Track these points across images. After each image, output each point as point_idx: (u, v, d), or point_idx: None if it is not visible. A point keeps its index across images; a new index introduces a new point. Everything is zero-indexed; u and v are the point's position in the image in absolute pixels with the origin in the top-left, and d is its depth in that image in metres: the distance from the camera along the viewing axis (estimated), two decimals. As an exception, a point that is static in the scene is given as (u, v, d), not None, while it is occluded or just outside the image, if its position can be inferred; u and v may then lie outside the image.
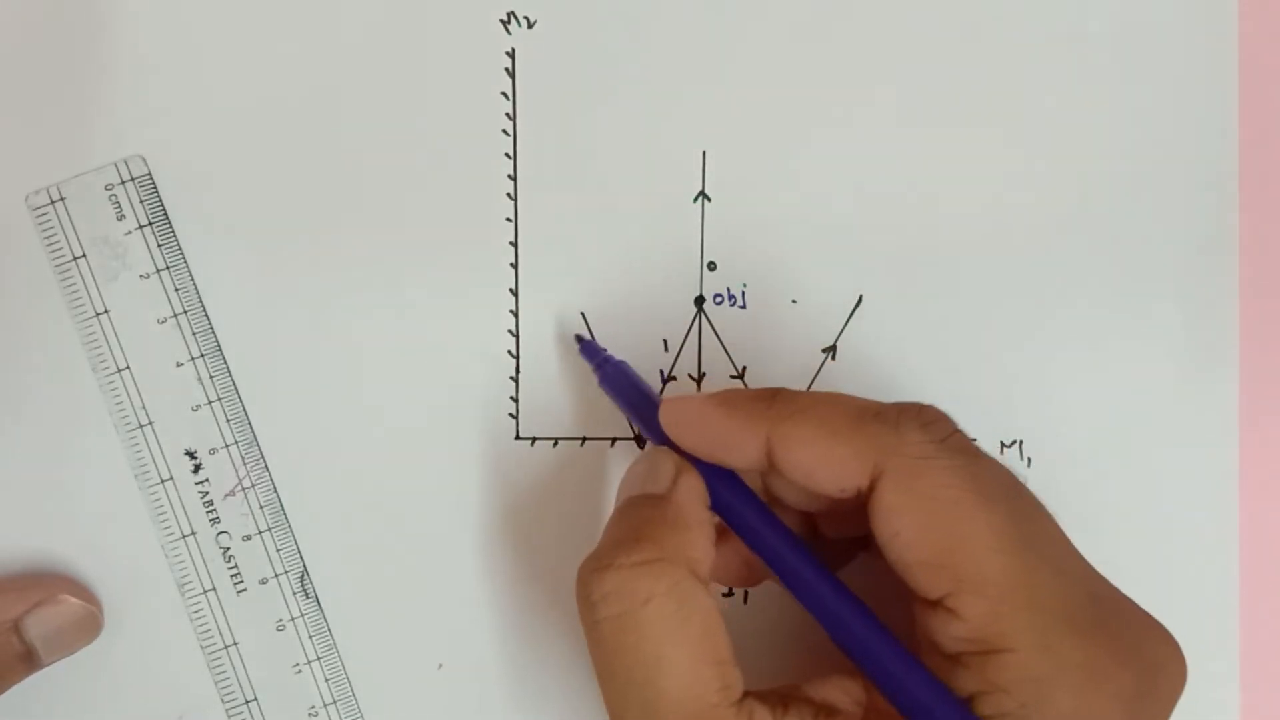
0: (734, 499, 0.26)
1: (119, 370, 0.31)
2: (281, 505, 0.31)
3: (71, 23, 0.31)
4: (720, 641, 0.24)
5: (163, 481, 0.31)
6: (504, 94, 0.31)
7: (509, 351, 0.32)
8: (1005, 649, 0.23)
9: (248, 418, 0.31)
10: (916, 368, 0.32)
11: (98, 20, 0.31)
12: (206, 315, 0.31)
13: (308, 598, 0.31)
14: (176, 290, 0.31)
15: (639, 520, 0.25)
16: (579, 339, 0.31)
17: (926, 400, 0.26)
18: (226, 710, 0.31)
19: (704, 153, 0.32)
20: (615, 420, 0.32)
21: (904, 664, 0.24)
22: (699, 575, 0.25)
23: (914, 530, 0.24)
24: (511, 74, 0.31)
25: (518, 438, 0.32)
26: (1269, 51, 0.33)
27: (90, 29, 0.31)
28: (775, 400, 0.26)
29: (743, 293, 0.32)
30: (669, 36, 0.32)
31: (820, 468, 0.25)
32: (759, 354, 0.32)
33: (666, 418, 0.27)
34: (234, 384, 0.31)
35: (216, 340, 0.31)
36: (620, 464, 0.32)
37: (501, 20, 0.31)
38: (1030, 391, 0.32)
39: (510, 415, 0.32)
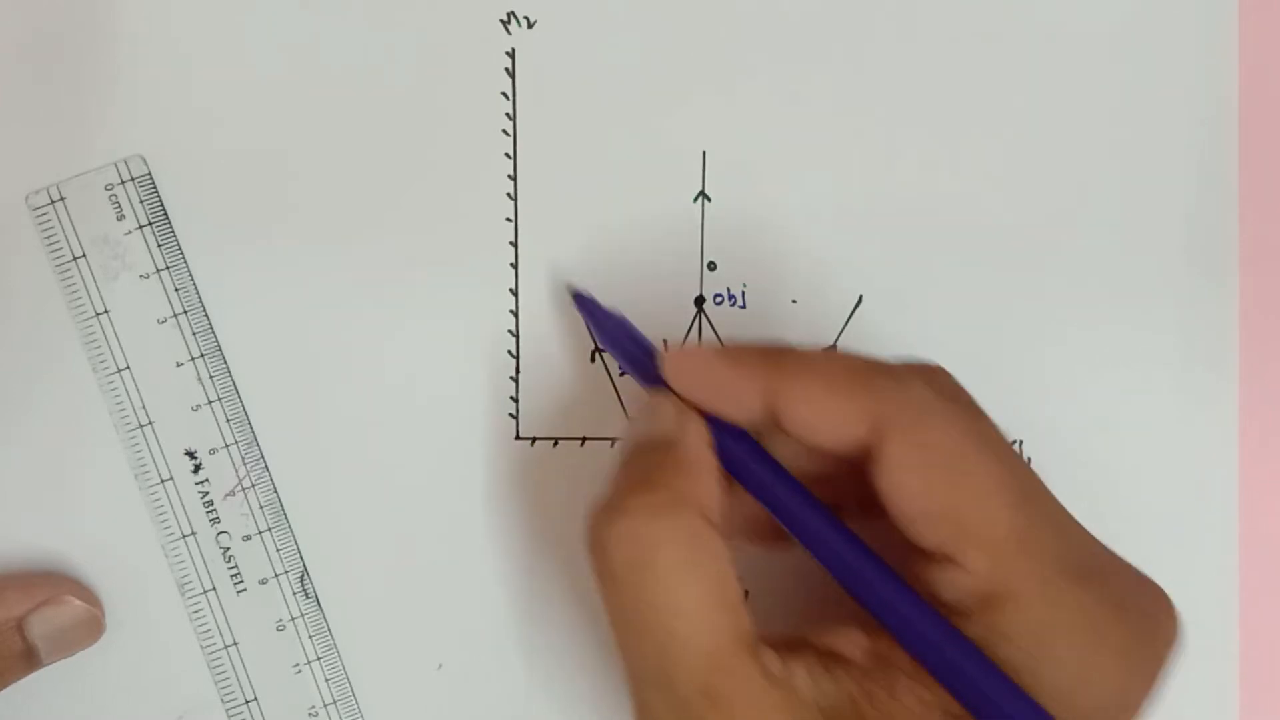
0: (740, 450, 0.26)
1: (119, 370, 0.31)
2: (281, 505, 0.31)
3: (71, 23, 0.31)
4: (732, 586, 0.24)
5: (163, 481, 0.31)
6: (504, 94, 0.32)
7: (509, 351, 0.32)
8: (1009, 597, 0.23)
9: (248, 418, 0.31)
10: None
11: (97, 21, 0.31)
12: (206, 315, 0.31)
13: (308, 598, 0.31)
14: (177, 290, 0.31)
15: (647, 465, 0.25)
16: (575, 293, 0.30)
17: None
18: (226, 710, 0.31)
19: (704, 153, 0.32)
20: (615, 420, 0.32)
21: (919, 609, 0.24)
22: (710, 519, 0.24)
23: (918, 483, 0.24)
24: (511, 74, 0.32)
25: (518, 438, 0.31)
26: (1269, 52, 0.33)
27: (90, 29, 0.31)
28: (779, 354, 0.26)
29: (743, 293, 0.32)
30: (669, 36, 0.32)
31: (824, 421, 0.25)
32: None
33: (670, 367, 0.27)
34: (234, 384, 0.31)
35: (216, 340, 0.31)
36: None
37: (501, 20, 0.31)
38: (1030, 391, 0.32)
39: (510, 415, 0.31)
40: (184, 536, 0.31)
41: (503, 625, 0.32)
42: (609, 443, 0.32)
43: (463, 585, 0.32)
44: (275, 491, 0.31)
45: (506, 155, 0.32)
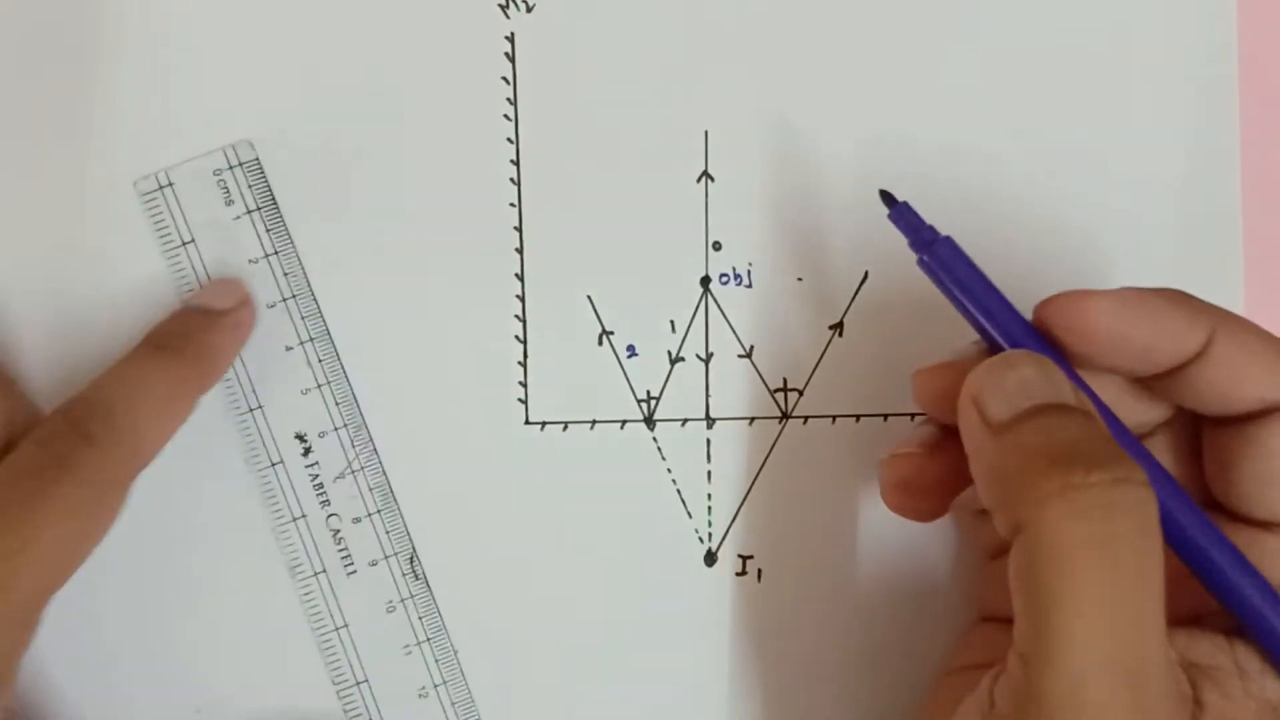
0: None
1: (229, 354, 0.31)
2: (390, 487, 0.32)
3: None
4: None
5: (273, 465, 0.31)
6: (504, 79, 0.32)
7: (515, 336, 0.32)
8: None
9: (356, 401, 0.31)
10: (925, 342, 0.32)
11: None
12: (315, 299, 0.31)
13: (417, 579, 0.32)
14: (285, 275, 0.31)
15: (1082, 433, 0.22)
16: (889, 199, 0.28)
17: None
18: (337, 691, 0.32)
19: (706, 133, 0.32)
20: (623, 404, 0.32)
21: None
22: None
23: None
24: (511, 59, 0.32)
25: (527, 422, 0.32)
26: (1269, 51, 0.33)
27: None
28: (1207, 305, 0.25)
29: (748, 272, 0.32)
30: (668, 17, 0.32)
31: (1256, 373, 0.24)
32: (766, 332, 0.32)
33: (1093, 310, 0.24)
34: (342, 368, 0.31)
35: (325, 324, 0.31)
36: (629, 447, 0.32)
37: (500, 5, 0.31)
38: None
39: (520, 400, 0.32)
40: (294, 519, 0.31)
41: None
42: (618, 425, 0.32)
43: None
44: (384, 474, 0.32)
45: (509, 140, 0.32)
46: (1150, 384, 0.26)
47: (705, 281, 0.32)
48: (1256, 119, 0.33)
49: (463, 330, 0.32)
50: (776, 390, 0.32)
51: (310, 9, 0.31)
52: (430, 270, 0.32)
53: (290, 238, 0.31)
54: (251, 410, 0.31)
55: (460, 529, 0.32)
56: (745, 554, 0.32)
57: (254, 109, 0.31)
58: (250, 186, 0.31)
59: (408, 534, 0.32)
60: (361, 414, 0.32)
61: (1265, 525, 0.25)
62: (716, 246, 0.32)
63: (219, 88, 0.31)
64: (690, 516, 0.32)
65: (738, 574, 0.32)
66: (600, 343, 0.32)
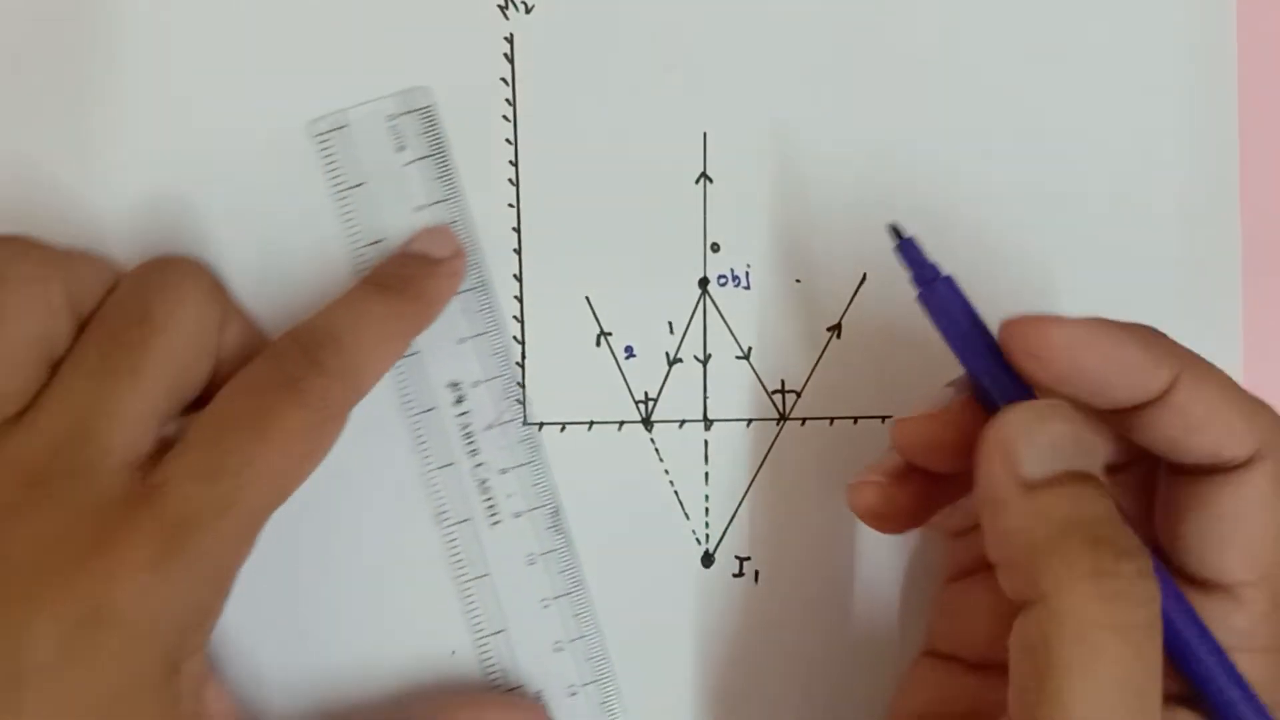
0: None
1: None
2: (539, 440, 0.32)
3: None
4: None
5: (425, 411, 0.31)
6: (503, 79, 0.32)
7: (514, 337, 0.32)
8: None
9: (510, 353, 0.32)
10: (922, 345, 0.32)
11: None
12: (478, 250, 0.32)
13: (559, 534, 0.32)
14: (451, 224, 0.32)
15: (1108, 513, 0.22)
16: (897, 234, 0.27)
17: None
18: (475, 640, 0.32)
19: (704, 134, 0.32)
20: (621, 404, 0.33)
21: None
22: None
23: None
24: (510, 59, 0.32)
25: (525, 423, 0.32)
26: (1269, 52, 0.33)
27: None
28: (1166, 338, 0.25)
29: (746, 273, 0.32)
30: (667, 18, 0.32)
31: (1213, 428, 0.24)
32: (764, 334, 0.32)
33: (1055, 337, 0.23)
34: (498, 319, 0.32)
35: (485, 275, 0.32)
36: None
37: (499, 5, 0.32)
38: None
39: (517, 401, 0.32)
40: (443, 467, 0.32)
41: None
42: (616, 426, 0.33)
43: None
44: (533, 426, 0.32)
45: (507, 141, 0.32)
46: (1107, 418, 0.25)
47: (704, 283, 0.33)
48: (1257, 116, 0.33)
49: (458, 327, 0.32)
50: (774, 392, 0.32)
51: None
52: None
53: (458, 187, 0.32)
54: (406, 356, 0.31)
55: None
56: (743, 555, 0.32)
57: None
58: (424, 134, 0.32)
59: (553, 488, 0.32)
60: (514, 365, 0.32)
61: (1205, 585, 0.24)
62: (715, 248, 0.33)
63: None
64: (688, 518, 0.32)
65: (735, 575, 0.32)
66: (598, 343, 0.33)
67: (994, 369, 0.25)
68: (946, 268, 0.26)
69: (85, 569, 0.23)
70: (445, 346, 0.31)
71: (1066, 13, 0.33)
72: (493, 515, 0.32)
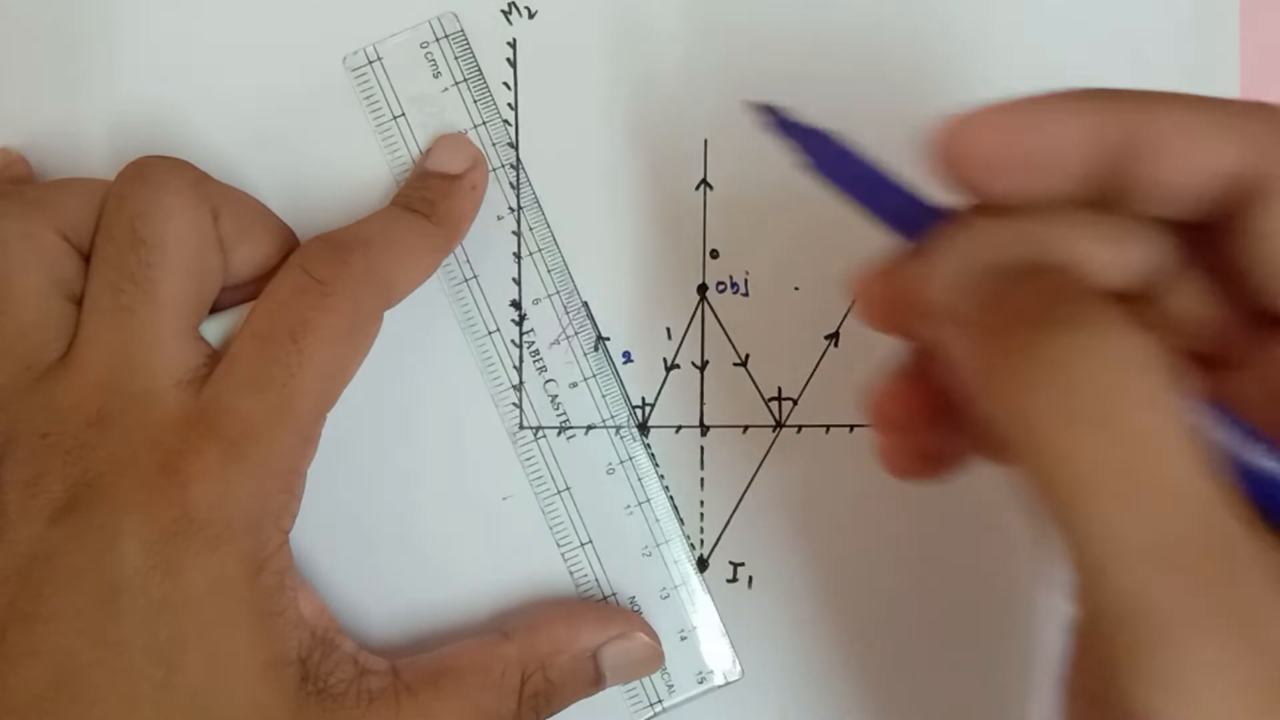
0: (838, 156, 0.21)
1: (442, 225, 0.31)
2: (606, 351, 0.32)
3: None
4: None
5: (490, 334, 0.32)
6: (505, 84, 0.32)
7: (512, 340, 0.32)
8: None
9: (567, 268, 0.32)
10: None
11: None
12: (523, 168, 0.32)
13: (635, 441, 0.32)
14: (494, 145, 0.32)
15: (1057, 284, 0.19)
16: (764, 110, 0.24)
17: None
18: (563, 554, 0.32)
19: (705, 141, 0.32)
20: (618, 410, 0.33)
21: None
22: None
23: None
24: (513, 64, 0.32)
25: (522, 427, 0.32)
26: (1269, 52, 0.33)
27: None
28: (1117, 93, 0.20)
29: (745, 280, 0.32)
30: (668, 25, 0.32)
31: (1192, 169, 0.19)
32: (762, 341, 0.32)
33: (972, 131, 0.21)
34: (553, 235, 0.32)
35: (534, 193, 0.32)
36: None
37: (503, 10, 0.32)
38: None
39: (514, 405, 0.32)
40: (513, 387, 0.32)
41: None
42: (613, 430, 0.33)
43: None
44: (599, 337, 0.32)
45: (509, 145, 0.32)
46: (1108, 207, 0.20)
47: (702, 289, 0.33)
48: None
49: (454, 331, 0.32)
50: (771, 399, 0.32)
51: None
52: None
53: (497, 108, 0.32)
54: (466, 280, 0.32)
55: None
56: (737, 561, 0.32)
57: None
58: (457, 58, 0.32)
59: (624, 397, 0.32)
60: (573, 280, 0.32)
61: None
62: (714, 255, 0.32)
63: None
64: (683, 522, 0.32)
65: (729, 580, 0.32)
66: (596, 348, 0.32)
67: (908, 205, 0.23)
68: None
69: (159, 486, 0.24)
70: (502, 267, 0.32)
71: (1066, 13, 0.33)
72: (566, 429, 0.32)
